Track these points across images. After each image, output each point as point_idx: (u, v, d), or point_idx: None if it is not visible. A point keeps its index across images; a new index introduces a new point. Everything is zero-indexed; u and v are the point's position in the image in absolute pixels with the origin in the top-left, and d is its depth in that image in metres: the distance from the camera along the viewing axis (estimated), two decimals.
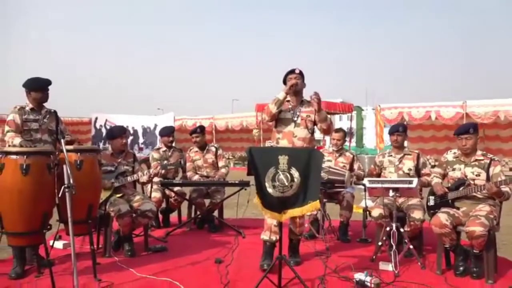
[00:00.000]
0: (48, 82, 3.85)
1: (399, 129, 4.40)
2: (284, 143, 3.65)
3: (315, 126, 3.77)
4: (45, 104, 3.92)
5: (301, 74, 3.73)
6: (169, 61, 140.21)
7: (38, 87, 3.80)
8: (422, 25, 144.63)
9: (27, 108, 3.82)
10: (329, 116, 3.79)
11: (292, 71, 3.73)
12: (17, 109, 3.79)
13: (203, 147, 5.55)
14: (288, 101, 3.72)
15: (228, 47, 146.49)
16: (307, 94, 3.75)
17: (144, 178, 4.35)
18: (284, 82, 3.77)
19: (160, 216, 5.53)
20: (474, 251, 3.41)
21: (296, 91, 3.68)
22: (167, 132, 5.65)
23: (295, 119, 3.68)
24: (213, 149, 5.58)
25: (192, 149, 5.64)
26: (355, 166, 5.03)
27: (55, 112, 3.94)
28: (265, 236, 3.70)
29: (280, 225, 3.25)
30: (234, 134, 13.91)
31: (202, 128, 5.67)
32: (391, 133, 4.44)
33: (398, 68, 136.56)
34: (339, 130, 5.24)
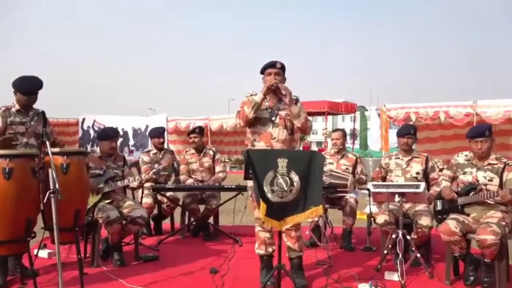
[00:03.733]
0: (38, 86, 3.69)
1: (411, 132, 4.37)
2: (260, 145, 3.45)
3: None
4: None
5: (282, 68, 3.53)
6: (161, 59, 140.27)
7: (25, 92, 3.67)
8: (429, 21, 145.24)
9: (13, 110, 3.72)
10: (304, 112, 3.53)
11: (272, 65, 3.51)
12: (1, 111, 3.68)
13: (200, 149, 5.55)
14: (265, 98, 3.50)
15: (224, 43, 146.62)
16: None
17: (134, 184, 4.34)
18: (262, 73, 3.56)
19: (152, 223, 5.52)
20: (485, 260, 3.42)
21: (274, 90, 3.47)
22: (157, 133, 5.63)
23: (273, 118, 3.48)
24: (211, 152, 5.58)
25: (188, 151, 5.64)
26: (358, 169, 5.03)
27: (43, 112, 3.84)
28: (260, 250, 3.56)
29: (279, 233, 3.23)
30: (230, 136, 13.87)
31: (201, 129, 5.66)
32: (401, 135, 4.40)
33: (404, 66, 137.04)
34: (337, 129, 5.27)
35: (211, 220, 5.40)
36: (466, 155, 3.79)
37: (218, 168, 5.53)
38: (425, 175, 4.34)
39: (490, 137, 3.61)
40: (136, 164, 5.63)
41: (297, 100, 3.57)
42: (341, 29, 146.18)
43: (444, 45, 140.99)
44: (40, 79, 3.74)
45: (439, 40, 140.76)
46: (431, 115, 9.19)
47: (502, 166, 3.59)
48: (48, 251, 4.25)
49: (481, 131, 3.64)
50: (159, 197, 5.32)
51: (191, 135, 5.56)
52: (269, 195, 2.96)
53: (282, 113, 3.52)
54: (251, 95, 3.54)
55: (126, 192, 4.58)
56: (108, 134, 4.40)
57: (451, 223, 3.51)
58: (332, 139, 5.19)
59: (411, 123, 8.84)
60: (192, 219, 5.42)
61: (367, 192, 4.71)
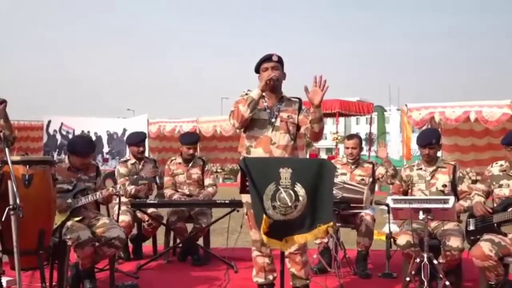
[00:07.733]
0: None
1: (432, 141, 4.36)
2: (258, 152, 3.48)
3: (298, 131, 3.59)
4: None
5: (279, 61, 3.57)
6: (141, 51, 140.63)
7: None
8: (456, 9, 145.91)
9: None
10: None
11: (268, 58, 3.56)
12: None
13: (188, 159, 5.55)
14: (263, 97, 3.55)
15: (215, 34, 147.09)
16: (288, 88, 3.65)
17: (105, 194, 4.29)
18: (257, 71, 3.62)
19: (130, 245, 5.51)
20: None
21: (274, 85, 3.52)
22: (137, 139, 5.55)
23: (273, 120, 3.52)
24: (200, 162, 5.58)
25: (173, 160, 5.61)
26: (381, 171, 5.03)
27: None
28: (259, 278, 3.58)
29: (282, 257, 3.22)
30: (223, 141, 13.89)
31: (198, 138, 5.67)
32: (421, 145, 4.41)
33: (428, 60, 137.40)
34: (353, 136, 5.27)
35: (200, 241, 5.39)
36: (501, 165, 3.81)
37: (207, 181, 5.52)
38: (453, 187, 4.34)
39: None
40: (111, 175, 5.61)
41: (300, 102, 3.60)
42: (356, 18, 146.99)
43: (477, 33, 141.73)
44: None
45: (470, 28, 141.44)
46: (459, 115, 9.19)
47: None
48: (7, 278, 4.22)
49: None
50: (139, 214, 5.31)
51: (187, 146, 5.46)
52: (270, 212, 2.96)
53: (284, 115, 3.54)
54: (247, 94, 3.56)
55: (100, 208, 4.58)
56: (82, 150, 4.27)
57: (485, 246, 3.52)
58: (347, 148, 5.17)
59: (439, 128, 8.86)
60: (178, 241, 5.42)
61: (386, 208, 4.71)
